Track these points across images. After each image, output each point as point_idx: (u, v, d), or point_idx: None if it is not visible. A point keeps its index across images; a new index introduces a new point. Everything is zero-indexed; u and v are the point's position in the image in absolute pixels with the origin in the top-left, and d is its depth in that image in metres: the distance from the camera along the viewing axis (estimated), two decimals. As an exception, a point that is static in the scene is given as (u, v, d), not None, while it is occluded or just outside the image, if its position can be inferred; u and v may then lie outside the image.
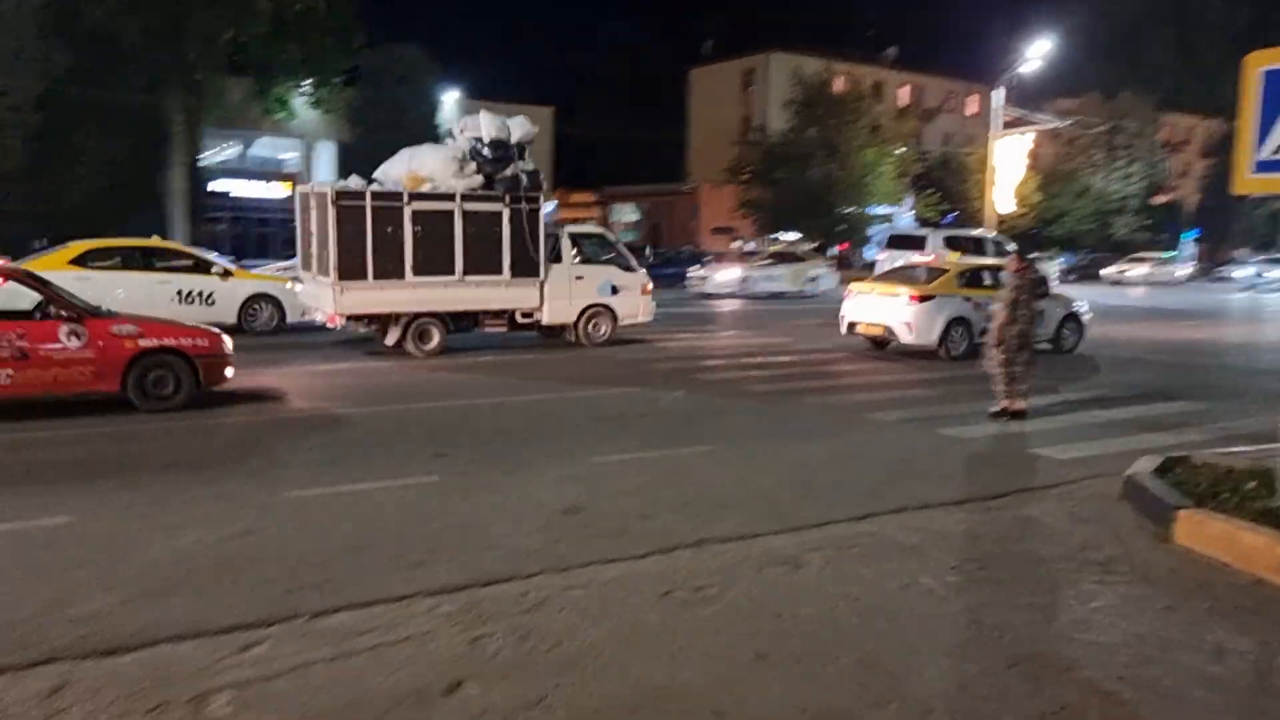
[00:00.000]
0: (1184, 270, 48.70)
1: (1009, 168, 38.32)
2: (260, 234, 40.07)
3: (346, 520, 6.03)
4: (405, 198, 13.71)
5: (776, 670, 3.98)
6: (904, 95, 63.86)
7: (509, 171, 14.44)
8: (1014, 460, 8.32)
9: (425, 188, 14.00)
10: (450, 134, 15.34)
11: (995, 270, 15.61)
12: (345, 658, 4.05)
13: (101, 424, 8.90)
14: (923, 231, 31.27)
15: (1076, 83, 56.34)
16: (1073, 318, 16.17)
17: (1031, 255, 11.53)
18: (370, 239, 13.39)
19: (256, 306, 16.35)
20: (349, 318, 13.84)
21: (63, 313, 9.00)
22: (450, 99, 44.16)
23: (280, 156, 43.20)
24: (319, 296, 14.11)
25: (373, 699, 3.70)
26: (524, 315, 15.10)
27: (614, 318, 15.99)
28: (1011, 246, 26.77)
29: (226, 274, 16.45)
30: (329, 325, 14.18)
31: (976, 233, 29.74)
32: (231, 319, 15.66)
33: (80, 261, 15.02)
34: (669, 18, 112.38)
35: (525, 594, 4.79)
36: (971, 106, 66.12)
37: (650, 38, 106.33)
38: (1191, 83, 67.43)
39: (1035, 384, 10.22)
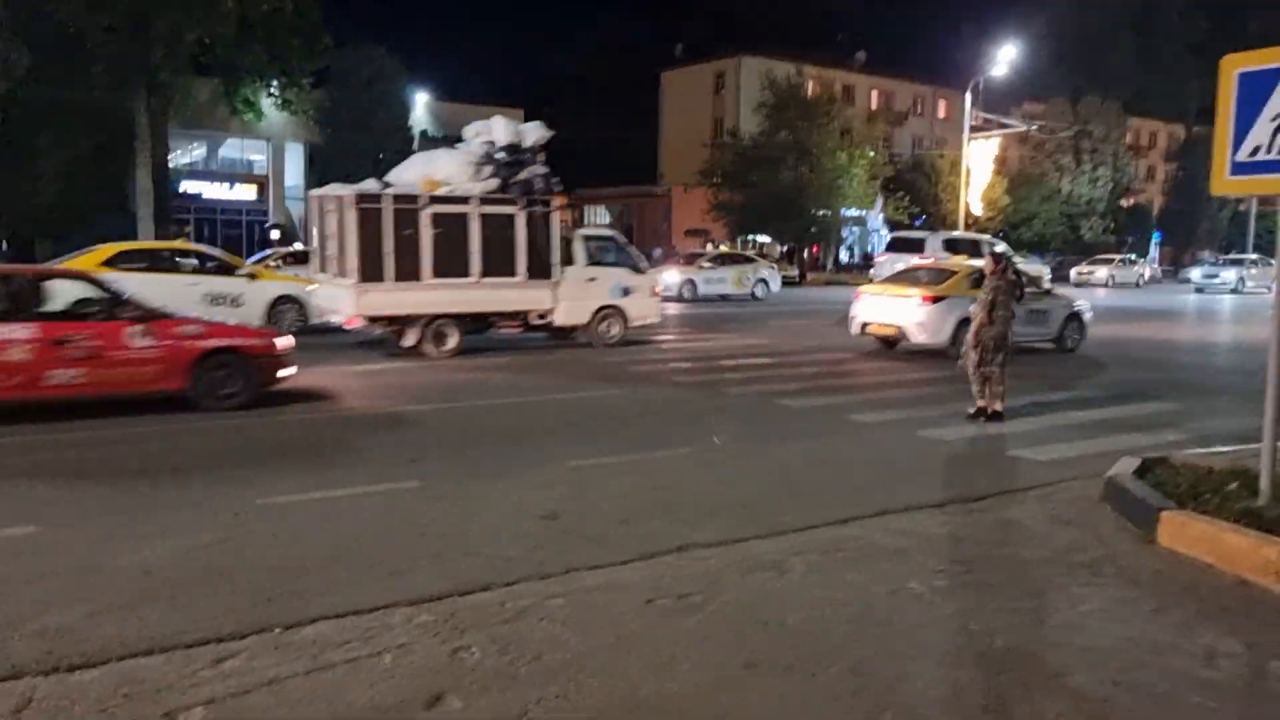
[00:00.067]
0: (1146, 271, 49.26)
1: (977, 171, 38.70)
2: (228, 236, 39.60)
3: (323, 528, 5.89)
4: (423, 200, 13.81)
5: (766, 680, 3.89)
6: (874, 99, 64.24)
7: (523, 175, 14.60)
8: (994, 462, 8.31)
9: (442, 191, 14.09)
10: (460, 138, 15.49)
11: None
12: (322, 670, 3.92)
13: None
14: (922, 234, 31.47)
15: (1043, 87, 57.06)
16: (1075, 317, 16.48)
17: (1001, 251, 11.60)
18: (389, 241, 13.49)
19: (282, 308, 16.37)
20: (368, 319, 13.86)
21: (132, 314, 9.20)
22: (420, 100, 43.89)
23: (248, 158, 42.77)
24: (337, 298, 14.13)
25: (352, 714, 3.58)
26: (538, 317, 15.25)
27: (625, 319, 16.18)
28: (1002, 247, 27.11)
29: (253, 276, 16.54)
30: (347, 327, 14.15)
31: (975, 235, 30.09)
32: (258, 320, 15.57)
33: (112, 264, 15.02)
34: (640, 20, 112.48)
35: (505, 603, 4.67)
36: (941, 110, 66.63)
37: (622, 40, 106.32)
38: (1154, 88, 68.48)
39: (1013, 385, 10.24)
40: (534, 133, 14.86)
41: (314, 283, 16.35)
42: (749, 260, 32.55)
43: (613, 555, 5.40)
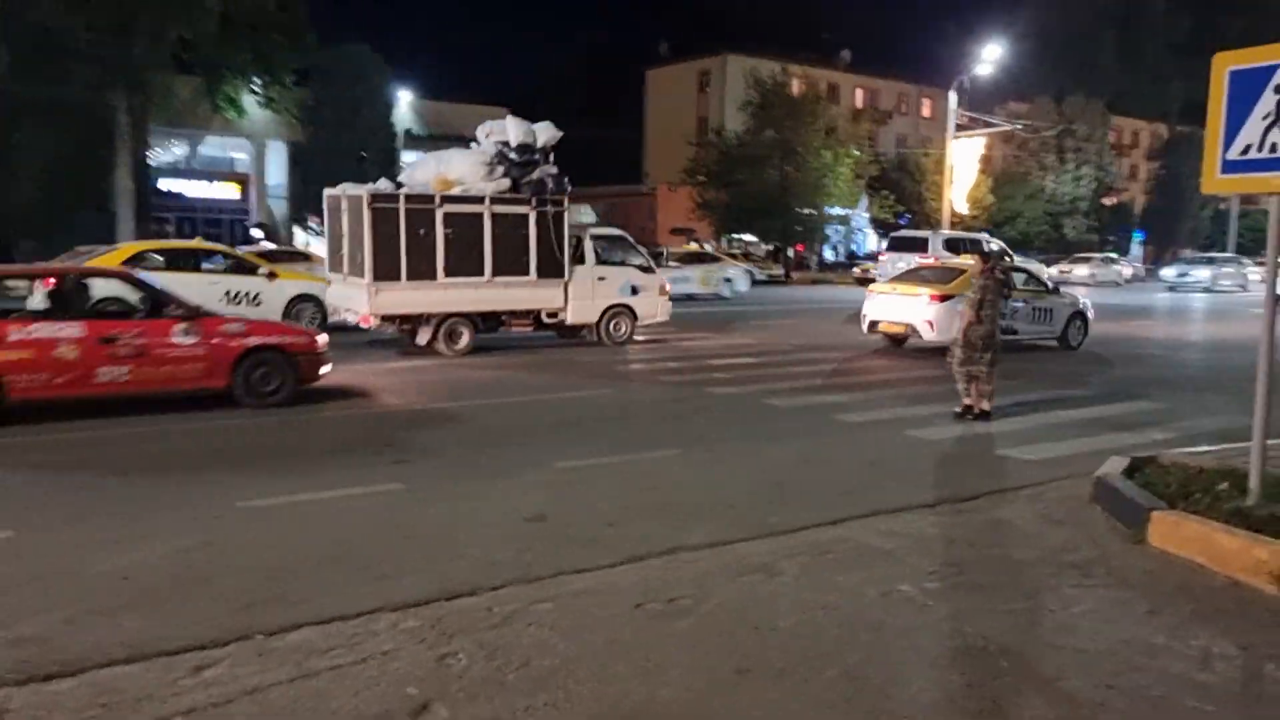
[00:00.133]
0: (1127, 270, 49.46)
1: (962, 169, 38.82)
2: (210, 235, 39.20)
3: (303, 531, 5.80)
4: (437, 200, 13.89)
5: (759, 686, 3.83)
6: (859, 98, 64.35)
7: (535, 175, 14.67)
8: (983, 461, 8.27)
9: (455, 190, 14.14)
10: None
11: (1010, 270, 16.63)
12: (306, 678, 3.84)
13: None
14: (924, 234, 31.54)
15: (1027, 86, 57.27)
16: (1079, 315, 16.85)
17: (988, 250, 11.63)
18: (404, 241, 13.58)
19: (301, 306, 16.36)
20: (382, 318, 13.90)
21: (177, 312, 9.40)
22: (404, 99, 43.64)
23: (230, 156, 42.42)
24: (351, 297, 14.22)
25: (336, 724, 3.50)
26: (549, 315, 15.37)
27: (634, 317, 16.34)
28: (995, 245, 27.32)
29: (273, 275, 16.59)
30: (362, 326, 14.16)
31: (974, 235, 30.31)
32: (277, 319, 15.40)
33: (133, 263, 14.92)
34: (625, 18, 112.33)
35: (492, 608, 4.60)
36: (925, 109, 66.83)
37: (607, 38, 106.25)
38: (1137, 87, 68.86)
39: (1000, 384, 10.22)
40: (545, 133, 14.92)
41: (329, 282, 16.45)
42: (715, 259, 32.20)
43: (601, 558, 5.33)
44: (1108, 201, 59.79)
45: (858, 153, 44.70)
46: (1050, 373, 13.74)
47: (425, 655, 4.06)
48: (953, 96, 39.16)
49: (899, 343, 16.13)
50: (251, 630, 4.27)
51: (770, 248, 47.42)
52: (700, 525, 6.00)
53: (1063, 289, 18.42)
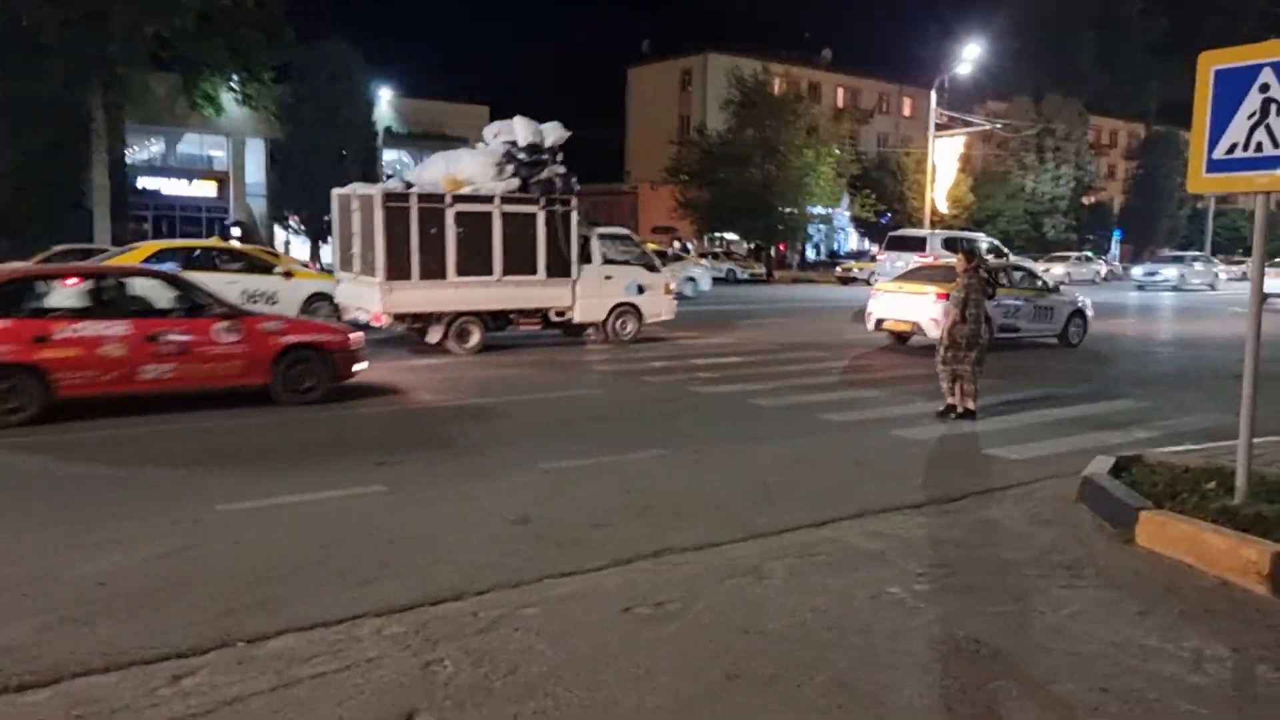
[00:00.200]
0: (1103, 269, 49.84)
1: (943, 168, 38.96)
2: (187, 233, 38.89)
3: (285, 534, 5.70)
4: (448, 200, 13.98)
5: (749, 692, 3.77)
6: (840, 97, 64.49)
7: (544, 174, 14.78)
8: (969, 461, 8.24)
9: (465, 190, 14.20)
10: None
11: (1013, 269, 17.59)
12: (288, 687, 3.75)
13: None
14: (923, 233, 31.75)
15: (1006, 86, 57.58)
16: (1079, 314, 17.28)
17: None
18: (415, 240, 13.68)
19: (316, 305, 16.45)
20: (394, 317, 13.98)
21: (219, 310, 9.65)
22: (383, 96, 43.39)
23: (208, 154, 42.07)
24: (362, 296, 14.29)
25: (319, 735, 3.43)
26: (557, 314, 15.51)
27: (640, 316, 16.51)
28: (985, 244, 27.49)
29: (289, 274, 16.79)
30: (374, 324, 14.14)
31: (972, 234, 30.61)
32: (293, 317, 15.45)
33: (151, 262, 15.05)
34: (606, 17, 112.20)
35: (477, 613, 4.52)
36: (906, 109, 67.07)
37: (588, 37, 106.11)
38: (1115, 87, 69.33)
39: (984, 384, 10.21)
40: (553, 133, 15.07)
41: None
42: (679, 258, 32.45)
43: (587, 561, 5.26)
44: (1087, 201, 60.18)
45: (839, 152, 44.80)
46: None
47: (410, 662, 3.98)
48: (933, 95, 39.29)
49: (903, 340, 16.41)
50: (231, 638, 4.18)
51: (752, 246, 47.47)
52: (687, 527, 5.94)
53: (1063, 288, 18.70)
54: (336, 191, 15.46)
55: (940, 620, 4.53)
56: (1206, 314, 27.46)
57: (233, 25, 28.98)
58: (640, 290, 16.42)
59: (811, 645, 4.23)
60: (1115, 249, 60.86)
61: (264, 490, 6.61)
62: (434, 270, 13.86)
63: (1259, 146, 5.62)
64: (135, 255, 15.57)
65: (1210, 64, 5.93)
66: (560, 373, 13.14)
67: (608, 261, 16.02)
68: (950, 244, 26.57)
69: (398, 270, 13.60)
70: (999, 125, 49.43)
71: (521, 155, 14.66)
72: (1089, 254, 51.99)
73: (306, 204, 36.58)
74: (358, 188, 14.97)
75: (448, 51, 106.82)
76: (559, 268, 15.00)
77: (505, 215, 14.35)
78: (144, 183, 37.82)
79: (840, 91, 65.06)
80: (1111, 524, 6.02)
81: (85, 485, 6.83)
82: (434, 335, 14.32)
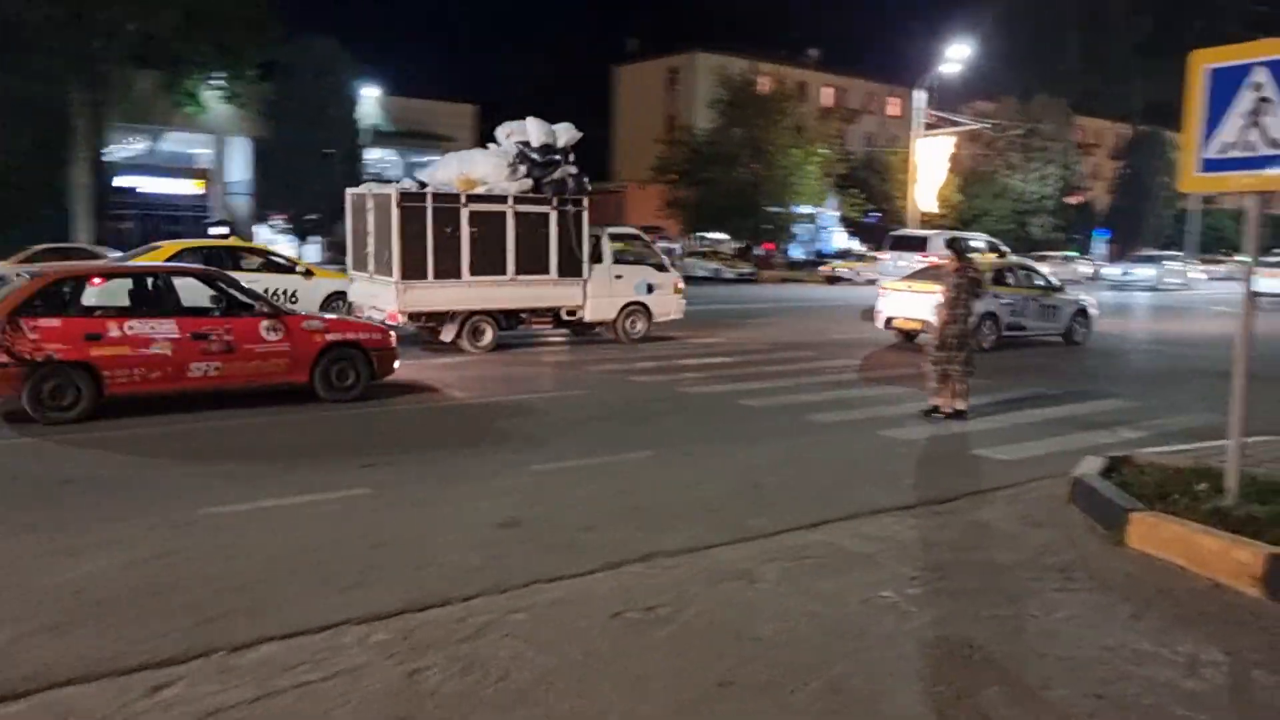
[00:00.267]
0: (1087, 269, 50.02)
1: (930, 168, 38.99)
2: (170, 232, 38.49)
3: (269, 539, 5.61)
4: (463, 199, 14.07)
5: (742, 699, 3.71)
6: (827, 96, 64.58)
7: (556, 174, 14.86)
8: (959, 462, 8.21)
9: (479, 190, 14.27)
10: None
11: (1019, 269, 17.82)
12: (270, 697, 3.67)
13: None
14: (925, 233, 31.84)
15: (993, 86, 57.67)
16: (1082, 313, 17.72)
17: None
18: (430, 240, 13.77)
19: (336, 304, 16.47)
20: (409, 315, 14.01)
21: (263, 309, 9.79)
22: (370, 95, 43.14)
23: (191, 152, 41.72)
24: (377, 295, 14.38)
25: (302, 746, 3.35)
26: (568, 313, 15.58)
27: (649, 315, 16.62)
28: (984, 243, 27.53)
29: (309, 273, 16.96)
30: (390, 323, 14.02)
31: (972, 234, 30.85)
32: None
33: (176, 261, 15.05)
34: (593, 15, 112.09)
35: (465, 619, 4.45)
36: (893, 108, 67.17)
37: (574, 35, 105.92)
38: (1101, 87, 69.63)
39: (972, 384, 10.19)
40: (566, 133, 15.15)
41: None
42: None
43: (577, 565, 5.19)
44: (1073, 200, 60.39)
45: (826, 151, 44.85)
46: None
47: (396, 670, 3.90)
48: (920, 96, 39.33)
49: (911, 338, 16.64)
50: (212, 646, 4.08)
51: (739, 245, 47.45)
52: (677, 529, 5.88)
53: (1068, 288, 18.89)
54: (350, 191, 15.54)
55: (933, 624, 4.48)
56: (1186, 313, 27.58)
57: (217, 22, 28.73)
58: (650, 289, 16.57)
59: (804, 650, 4.17)
60: (1101, 249, 61.04)
61: (250, 494, 6.51)
62: (449, 270, 13.96)
63: (1252, 146, 5.60)
64: (158, 255, 15.56)
65: (1202, 63, 5.90)
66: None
67: (618, 261, 16.14)
68: (952, 244, 26.74)
69: (413, 269, 13.69)
70: (985, 125, 49.53)
71: (534, 155, 14.76)
72: (1072, 254, 52.13)
73: (292, 202, 36.35)
74: (372, 187, 15.11)
75: (434, 50, 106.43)
76: (571, 267, 15.12)
77: (519, 215, 14.46)
78: (126, 181, 37.48)
79: (827, 91, 65.18)
80: (1103, 525, 5.98)
81: (71, 487, 6.71)
82: (448, 334, 14.41)
